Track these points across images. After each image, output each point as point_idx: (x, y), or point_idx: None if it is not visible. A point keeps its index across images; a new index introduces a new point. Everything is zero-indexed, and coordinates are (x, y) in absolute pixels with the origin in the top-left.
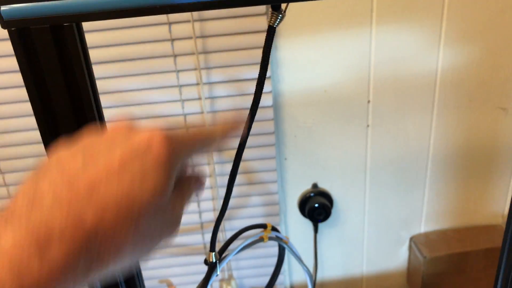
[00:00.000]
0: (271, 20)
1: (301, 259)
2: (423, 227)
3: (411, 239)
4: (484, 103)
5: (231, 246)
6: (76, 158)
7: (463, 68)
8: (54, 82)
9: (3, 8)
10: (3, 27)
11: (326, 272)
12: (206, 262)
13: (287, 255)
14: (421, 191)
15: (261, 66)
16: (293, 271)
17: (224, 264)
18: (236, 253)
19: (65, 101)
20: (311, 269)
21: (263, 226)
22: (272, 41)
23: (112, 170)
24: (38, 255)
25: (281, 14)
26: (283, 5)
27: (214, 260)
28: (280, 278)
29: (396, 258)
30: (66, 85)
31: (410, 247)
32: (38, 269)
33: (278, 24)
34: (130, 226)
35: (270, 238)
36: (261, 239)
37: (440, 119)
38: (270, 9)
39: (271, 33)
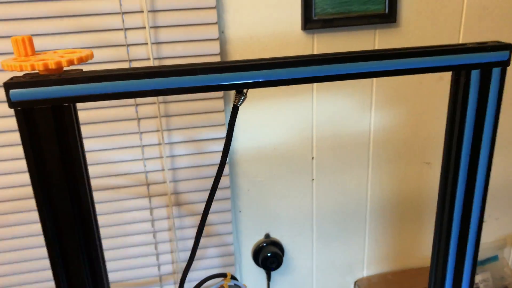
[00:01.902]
0: (235, 100)
1: None
2: (365, 272)
3: (355, 283)
4: (411, 158)
5: None
6: None
7: (392, 129)
8: (51, 151)
9: (12, 91)
10: (10, 107)
11: None
12: None
13: None
14: (362, 238)
15: (226, 137)
16: None
17: None
18: None
19: (59, 167)
20: None
21: (223, 275)
22: (236, 117)
23: None
24: None
25: (244, 95)
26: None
27: None
28: None
29: None
30: (61, 152)
31: None
32: None
33: (241, 103)
34: None
35: (230, 287)
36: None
37: (375, 172)
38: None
39: (235, 111)
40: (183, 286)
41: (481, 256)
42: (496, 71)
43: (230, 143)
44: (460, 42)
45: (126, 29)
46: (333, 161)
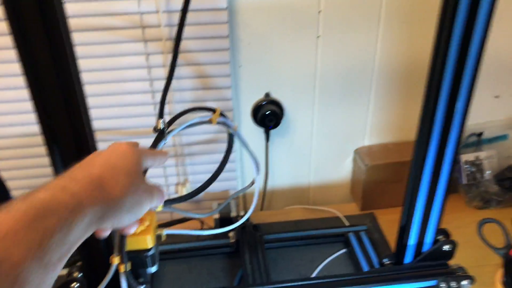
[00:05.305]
0: None
1: (248, 146)
2: (366, 141)
3: (355, 151)
4: (428, 21)
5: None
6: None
7: None
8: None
9: None
10: None
11: (276, 181)
12: (155, 129)
13: (241, 166)
14: (366, 105)
15: None
16: (246, 179)
17: (171, 136)
18: (183, 128)
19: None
20: (263, 177)
21: (212, 110)
22: None
23: (107, 158)
24: (68, 190)
25: None
26: None
27: (162, 127)
28: (233, 183)
29: (341, 169)
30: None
31: (354, 159)
32: (70, 195)
33: None
34: (124, 180)
35: (219, 123)
36: (210, 121)
37: (386, 34)
38: None
39: None
40: (164, 103)
41: (490, 134)
42: None
43: None
44: None
45: None
46: (342, 17)
